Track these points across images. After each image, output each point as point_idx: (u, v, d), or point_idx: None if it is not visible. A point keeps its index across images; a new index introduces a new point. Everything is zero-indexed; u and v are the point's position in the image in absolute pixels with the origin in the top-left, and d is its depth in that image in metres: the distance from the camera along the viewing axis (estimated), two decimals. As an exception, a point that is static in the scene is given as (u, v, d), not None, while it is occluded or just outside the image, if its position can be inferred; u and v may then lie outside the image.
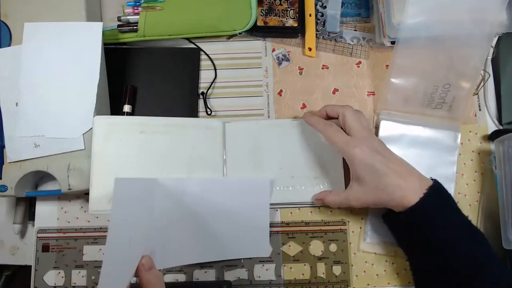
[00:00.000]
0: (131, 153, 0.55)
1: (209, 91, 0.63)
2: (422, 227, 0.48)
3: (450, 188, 0.58)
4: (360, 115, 0.53)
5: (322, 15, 0.63)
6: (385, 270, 0.58)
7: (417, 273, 0.52)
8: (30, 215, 0.61)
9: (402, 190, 0.47)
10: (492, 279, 0.46)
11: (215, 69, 0.63)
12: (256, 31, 0.64)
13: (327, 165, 0.58)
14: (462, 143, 0.60)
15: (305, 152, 0.59)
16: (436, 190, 0.48)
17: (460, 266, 0.46)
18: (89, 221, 0.59)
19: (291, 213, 0.59)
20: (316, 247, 0.58)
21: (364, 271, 0.58)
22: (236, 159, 0.58)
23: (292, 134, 0.59)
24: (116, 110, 0.60)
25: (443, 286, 0.48)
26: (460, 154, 0.60)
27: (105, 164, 0.54)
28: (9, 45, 0.57)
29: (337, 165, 0.58)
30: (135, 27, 0.61)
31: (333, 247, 0.58)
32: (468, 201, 0.59)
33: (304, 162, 0.58)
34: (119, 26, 0.62)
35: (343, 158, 0.57)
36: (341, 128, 0.53)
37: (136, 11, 0.62)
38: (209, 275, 0.57)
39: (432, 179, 0.50)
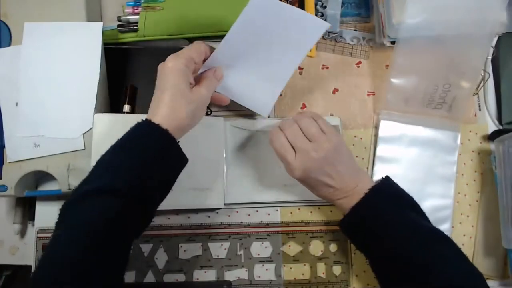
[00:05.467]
0: None
1: (209, 91, 0.63)
2: (365, 229, 0.49)
3: (450, 188, 0.58)
4: (314, 121, 0.51)
5: (322, 15, 0.63)
6: (385, 270, 0.58)
7: (376, 274, 0.51)
8: (30, 215, 0.61)
9: (343, 201, 0.50)
10: (443, 278, 0.44)
11: (215, 69, 0.63)
12: (256, 31, 0.63)
13: None
14: (462, 143, 0.60)
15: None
16: (378, 191, 0.49)
17: (408, 266, 0.45)
18: (89, 221, 0.59)
19: (291, 213, 0.59)
20: (316, 247, 0.58)
21: (364, 271, 0.58)
22: (236, 157, 0.58)
23: None
24: (116, 110, 0.60)
25: (399, 284, 0.47)
26: (460, 154, 0.60)
27: None
28: (9, 45, 0.57)
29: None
30: (135, 27, 0.61)
31: (333, 247, 0.58)
32: (468, 201, 0.59)
33: None
34: (119, 26, 0.62)
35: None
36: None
37: (136, 11, 0.62)
38: (209, 275, 0.57)
39: (379, 180, 0.50)
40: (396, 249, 0.46)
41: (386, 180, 0.50)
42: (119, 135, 0.53)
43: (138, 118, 0.56)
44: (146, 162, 0.45)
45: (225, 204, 0.57)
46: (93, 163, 0.54)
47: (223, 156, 0.58)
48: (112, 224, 0.42)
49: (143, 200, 0.45)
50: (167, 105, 0.46)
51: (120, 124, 0.56)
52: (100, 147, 0.54)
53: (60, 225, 0.42)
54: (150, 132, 0.46)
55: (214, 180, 0.57)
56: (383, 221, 0.48)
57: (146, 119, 0.46)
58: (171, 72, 0.47)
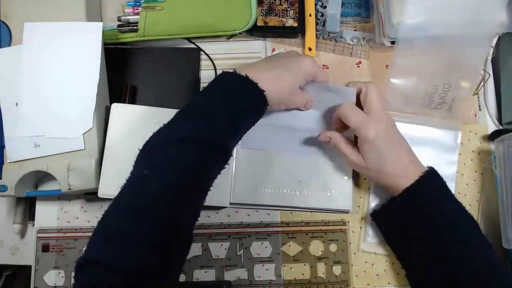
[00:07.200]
0: (143, 141, 0.55)
1: (209, 91, 0.63)
2: (417, 211, 0.50)
3: (451, 188, 0.58)
4: (380, 93, 0.53)
5: (322, 15, 0.63)
6: (385, 270, 0.58)
7: (410, 268, 0.53)
8: (30, 215, 0.61)
9: (400, 178, 0.50)
10: (487, 264, 0.48)
11: (215, 69, 0.63)
12: (256, 31, 0.64)
13: (337, 173, 0.57)
14: (462, 143, 0.60)
15: (315, 157, 0.58)
16: (431, 176, 0.51)
17: (454, 252, 0.48)
18: (89, 221, 0.59)
19: (291, 213, 0.59)
20: (316, 247, 0.58)
21: (364, 271, 0.58)
22: (246, 157, 0.58)
23: None
24: (116, 110, 0.60)
25: (438, 274, 0.49)
26: (460, 154, 0.60)
27: (117, 150, 0.55)
28: (9, 45, 0.57)
29: (347, 173, 0.57)
30: (135, 27, 0.61)
31: (333, 247, 0.58)
32: (468, 201, 0.59)
33: (313, 167, 0.58)
34: (119, 26, 0.62)
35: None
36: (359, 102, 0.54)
37: (136, 11, 0.62)
38: (209, 275, 0.57)
39: (428, 167, 0.52)
40: (443, 230, 0.49)
41: (433, 169, 0.52)
42: (135, 126, 0.53)
43: (155, 110, 0.57)
44: (240, 119, 0.47)
45: (230, 203, 0.57)
46: (106, 152, 0.55)
47: (233, 155, 0.58)
48: (199, 172, 0.44)
49: (227, 152, 0.47)
50: (278, 77, 0.49)
51: (135, 115, 0.56)
52: (115, 136, 0.55)
53: (144, 164, 0.44)
54: (250, 91, 0.47)
55: (222, 178, 0.57)
56: (436, 203, 0.50)
57: (246, 76, 0.47)
58: (305, 65, 0.51)
